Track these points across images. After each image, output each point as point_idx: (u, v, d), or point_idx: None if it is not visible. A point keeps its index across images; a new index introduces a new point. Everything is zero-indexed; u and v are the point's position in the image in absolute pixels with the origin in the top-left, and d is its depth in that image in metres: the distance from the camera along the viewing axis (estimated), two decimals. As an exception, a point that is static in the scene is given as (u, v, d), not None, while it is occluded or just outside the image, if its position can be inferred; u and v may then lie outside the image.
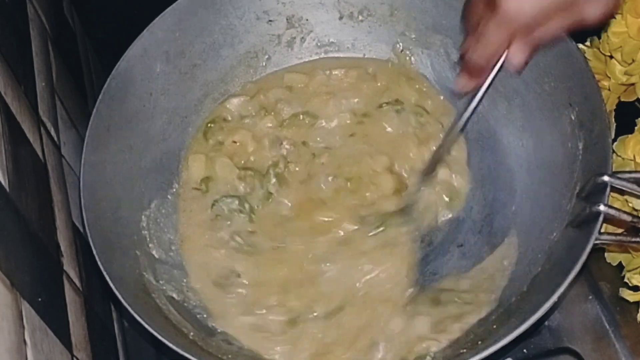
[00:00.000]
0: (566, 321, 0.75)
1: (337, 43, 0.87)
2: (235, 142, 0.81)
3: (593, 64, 0.74)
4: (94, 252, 0.63)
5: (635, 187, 0.59)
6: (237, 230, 0.76)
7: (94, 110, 0.71)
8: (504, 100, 0.77)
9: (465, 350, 0.61)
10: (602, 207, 0.58)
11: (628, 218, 0.59)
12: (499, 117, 0.78)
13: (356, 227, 0.75)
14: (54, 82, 0.73)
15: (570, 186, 0.65)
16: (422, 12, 0.81)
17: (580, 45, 0.75)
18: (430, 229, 0.75)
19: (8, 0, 0.64)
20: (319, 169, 0.79)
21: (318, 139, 0.81)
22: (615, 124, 0.74)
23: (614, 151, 0.69)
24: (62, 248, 0.64)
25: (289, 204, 0.77)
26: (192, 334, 0.66)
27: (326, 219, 0.75)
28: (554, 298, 0.57)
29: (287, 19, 0.85)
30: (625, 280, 0.73)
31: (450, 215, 0.76)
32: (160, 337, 0.59)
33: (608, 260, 0.75)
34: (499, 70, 0.64)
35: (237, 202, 0.77)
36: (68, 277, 0.64)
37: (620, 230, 0.67)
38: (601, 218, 0.58)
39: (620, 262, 0.74)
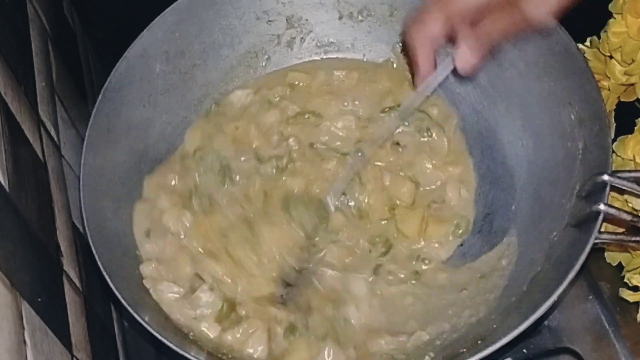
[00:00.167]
0: (566, 321, 0.75)
1: (336, 43, 0.87)
2: (237, 127, 0.81)
3: (593, 64, 0.74)
4: (94, 252, 0.63)
5: (635, 186, 0.59)
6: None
7: (94, 110, 0.71)
8: (504, 100, 0.77)
9: (465, 350, 0.61)
10: (602, 207, 0.58)
11: (628, 217, 0.59)
12: (499, 117, 0.78)
13: None
14: (54, 82, 0.73)
15: (570, 185, 0.65)
16: (422, 12, 0.81)
17: (580, 45, 0.75)
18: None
19: (8, 0, 0.64)
20: (325, 175, 0.78)
21: (323, 140, 0.80)
22: (615, 124, 0.74)
23: (613, 151, 0.69)
24: (62, 248, 0.64)
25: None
26: (191, 333, 0.66)
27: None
28: (554, 297, 0.57)
29: (286, 19, 0.85)
30: (625, 280, 0.73)
31: (459, 242, 0.75)
32: (160, 337, 0.59)
33: (608, 260, 0.75)
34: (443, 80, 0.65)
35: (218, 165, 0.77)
36: (68, 277, 0.64)
37: (620, 230, 0.67)
38: (601, 217, 0.58)
39: (620, 262, 0.74)
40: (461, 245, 0.75)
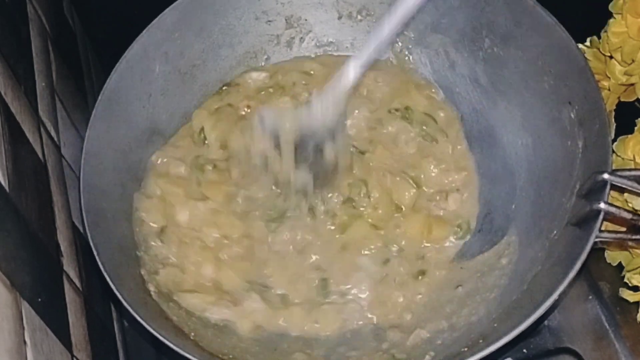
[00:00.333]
0: (566, 321, 0.75)
1: (336, 43, 0.87)
2: (249, 106, 0.81)
3: (593, 64, 0.74)
4: (94, 252, 0.63)
5: (635, 184, 0.59)
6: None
7: (94, 110, 0.71)
8: (504, 99, 0.77)
9: (466, 349, 0.61)
10: (602, 205, 0.58)
11: (628, 216, 0.59)
12: (499, 116, 0.77)
13: None
14: (54, 82, 0.73)
15: (570, 184, 0.65)
16: (421, 12, 0.81)
17: (580, 45, 0.75)
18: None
19: (8, 0, 0.64)
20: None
21: None
22: (615, 124, 0.74)
23: (613, 151, 0.69)
24: (62, 248, 0.64)
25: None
26: (192, 334, 0.66)
27: None
28: (555, 296, 0.57)
29: (286, 19, 0.85)
30: (625, 280, 0.73)
31: (460, 244, 0.75)
32: (160, 337, 0.59)
33: (608, 260, 0.75)
34: None
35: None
36: (68, 277, 0.64)
37: (621, 229, 0.67)
38: (601, 216, 0.58)
39: (620, 262, 0.74)
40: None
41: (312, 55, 0.87)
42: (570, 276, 0.57)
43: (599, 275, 0.76)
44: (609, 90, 0.75)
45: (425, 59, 0.83)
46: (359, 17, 0.85)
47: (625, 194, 0.68)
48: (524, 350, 0.73)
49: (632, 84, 0.73)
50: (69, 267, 0.65)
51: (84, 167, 0.68)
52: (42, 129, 0.65)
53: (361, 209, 0.75)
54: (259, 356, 0.67)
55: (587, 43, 0.76)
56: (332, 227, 0.75)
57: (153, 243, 0.72)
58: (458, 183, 0.77)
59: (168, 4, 0.77)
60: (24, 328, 0.49)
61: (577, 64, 0.68)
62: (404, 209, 0.76)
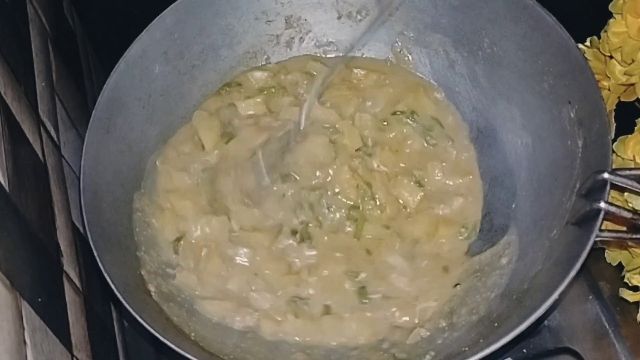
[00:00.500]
0: (566, 321, 0.75)
1: (335, 43, 0.87)
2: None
3: (593, 64, 0.74)
4: (94, 252, 0.63)
5: (635, 184, 0.59)
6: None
7: (94, 110, 0.71)
8: (504, 99, 0.77)
9: (467, 349, 0.61)
10: (602, 204, 0.58)
11: (628, 215, 0.59)
12: (498, 115, 0.78)
13: None
14: (54, 82, 0.73)
15: (570, 184, 0.65)
16: (421, 12, 0.81)
17: (580, 45, 0.75)
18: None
19: (8, 0, 0.64)
20: None
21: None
22: (615, 124, 0.74)
23: (613, 151, 0.69)
24: (62, 248, 0.64)
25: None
26: (193, 334, 0.66)
27: None
28: (555, 295, 0.57)
29: (285, 19, 0.85)
30: (625, 280, 0.73)
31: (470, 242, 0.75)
32: (160, 337, 0.59)
33: (608, 260, 0.75)
34: None
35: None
36: (68, 277, 0.64)
37: (621, 228, 0.67)
38: (602, 215, 0.58)
39: (620, 262, 0.74)
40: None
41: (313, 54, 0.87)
42: (571, 276, 0.57)
43: (599, 275, 0.76)
44: (609, 90, 0.75)
45: (425, 58, 0.83)
46: (359, 17, 0.85)
47: (626, 194, 0.68)
48: (524, 350, 0.73)
49: (632, 84, 0.73)
50: (69, 267, 0.64)
51: (84, 167, 0.68)
52: (42, 129, 0.65)
53: (367, 212, 0.75)
54: (259, 356, 0.67)
55: (587, 43, 0.75)
56: (349, 230, 0.75)
57: (169, 255, 0.73)
58: (463, 187, 0.77)
59: (168, 4, 0.77)
60: (24, 328, 0.49)
61: (577, 63, 0.68)
62: (409, 210, 0.76)
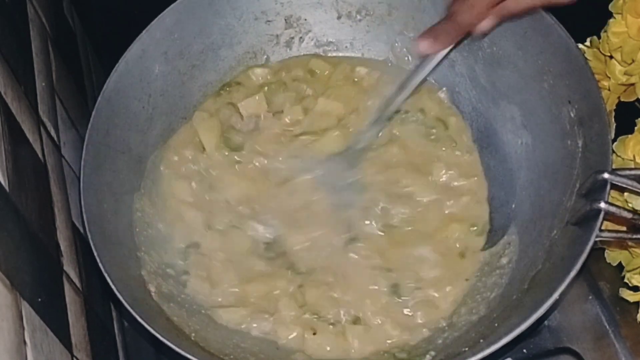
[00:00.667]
0: (566, 321, 0.75)
1: (335, 42, 0.87)
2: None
3: (593, 64, 0.74)
4: (94, 252, 0.63)
5: (635, 184, 0.59)
6: None
7: (94, 110, 0.71)
8: (504, 98, 0.77)
9: (467, 349, 0.61)
10: (602, 204, 0.58)
11: (629, 215, 0.59)
12: (499, 115, 0.78)
13: None
14: (54, 82, 0.73)
15: (570, 184, 0.65)
16: (421, 11, 0.81)
17: (580, 45, 0.75)
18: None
19: (8, 0, 0.64)
20: None
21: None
22: (615, 124, 0.74)
23: (613, 151, 0.69)
24: (62, 248, 0.64)
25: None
26: (193, 334, 0.66)
27: None
28: (556, 295, 0.57)
29: (285, 19, 0.85)
30: (625, 280, 0.73)
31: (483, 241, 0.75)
32: (160, 337, 0.59)
33: (608, 260, 0.75)
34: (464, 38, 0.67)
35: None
36: (68, 277, 0.63)
37: (621, 228, 0.67)
38: (602, 215, 0.58)
39: (620, 262, 0.74)
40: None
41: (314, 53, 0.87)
42: (571, 276, 0.57)
43: (599, 275, 0.76)
44: (609, 90, 0.75)
45: (424, 58, 0.83)
46: (359, 16, 0.85)
47: (626, 194, 0.68)
48: (524, 350, 0.73)
49: (632, 84, 0.73)
50: (69, 267, 0.64)
51: (84, 167, 0.68)
52: (42, 129, 0.65)
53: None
54: (259, 356, 0.67)
55: (587, 43, 0.76)
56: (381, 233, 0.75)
57: (175, 260, 0.73)
58: (466, 188, 0.77)
59: (168, 4, 0.77)
60: (24, 328, 0.49)
61: (577, 63, 0.68)
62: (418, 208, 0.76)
